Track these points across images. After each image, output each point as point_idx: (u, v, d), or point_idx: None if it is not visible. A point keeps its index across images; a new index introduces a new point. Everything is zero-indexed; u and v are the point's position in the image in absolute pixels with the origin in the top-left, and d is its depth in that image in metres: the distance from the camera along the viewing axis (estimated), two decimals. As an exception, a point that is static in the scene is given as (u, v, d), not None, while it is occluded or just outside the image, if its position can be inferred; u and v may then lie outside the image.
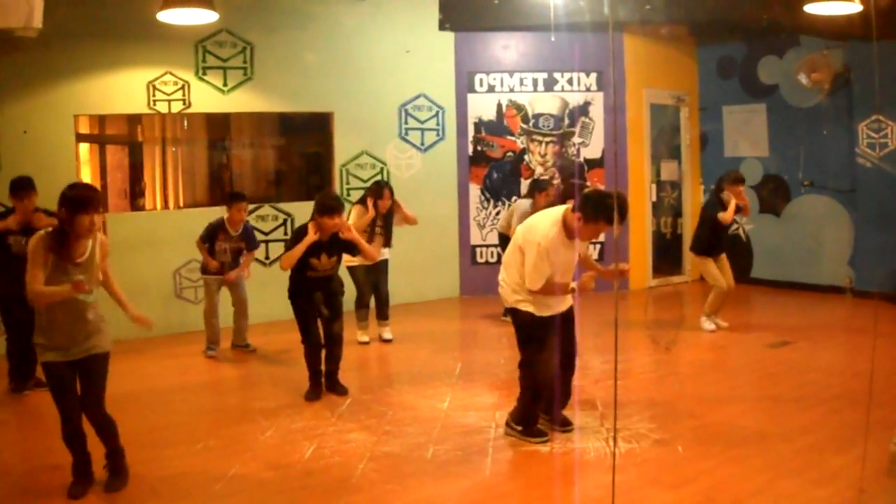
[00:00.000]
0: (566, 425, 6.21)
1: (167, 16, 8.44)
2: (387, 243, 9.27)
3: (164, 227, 10.13)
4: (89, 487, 5.17)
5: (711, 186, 10.26)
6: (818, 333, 9.44)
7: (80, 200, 4.90)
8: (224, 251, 8.77)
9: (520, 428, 6.03)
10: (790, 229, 12.14)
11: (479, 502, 5.11)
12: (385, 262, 9.35)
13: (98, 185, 12.26)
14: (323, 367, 7.33)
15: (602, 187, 11.73)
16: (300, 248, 6.95)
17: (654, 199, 12.86)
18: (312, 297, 7.23)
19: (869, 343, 8.38)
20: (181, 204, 12.52)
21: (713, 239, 9.48)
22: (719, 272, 9.44)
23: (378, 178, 11.32)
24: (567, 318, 6.17)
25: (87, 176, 11.78)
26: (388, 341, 9.42)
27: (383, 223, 9.15)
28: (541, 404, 6.07)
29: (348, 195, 10.92)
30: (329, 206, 7.01)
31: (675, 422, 6.37)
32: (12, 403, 7.32)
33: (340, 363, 7.44)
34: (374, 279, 9.31)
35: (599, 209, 5.65)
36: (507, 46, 12.09)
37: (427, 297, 11.63)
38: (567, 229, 5.82)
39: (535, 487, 5.33)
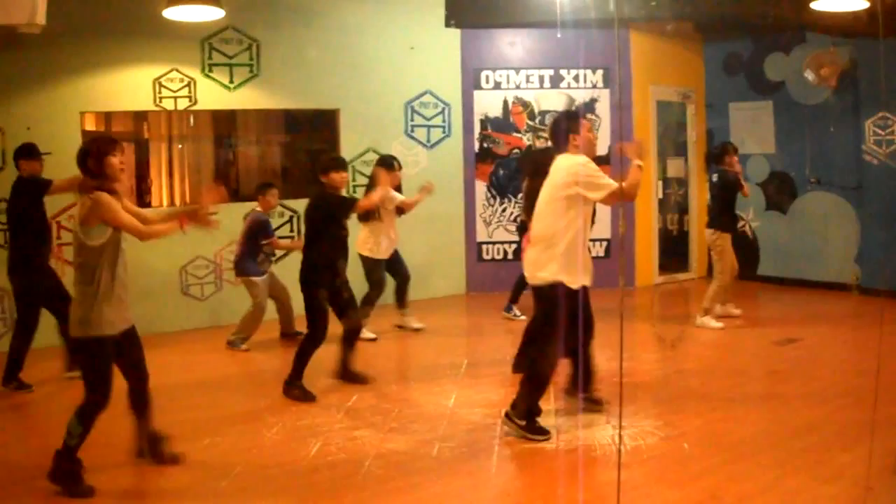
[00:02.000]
0: (599, 403, 6.46)
1: (173, 13, 8.47)
2: (399, 214, 9.40)
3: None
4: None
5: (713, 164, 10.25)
6: (824, 331, 9.43)
7: (104, 143, 5.22)
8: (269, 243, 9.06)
9: (522, 423, 6.00)
10: (796, 226, 12.12)
11: (485, 500, 5.11)
12: (397, 252, 9.49)
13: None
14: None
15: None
16: (380, 192, 7.62)
17: (660, 196, 12.85)
18: (334, 271, 7.24)
19: (875, 340, 8.38)
20: (187, 201, 12.51)
21: (728, 208, 9.71)
22: (734, 257, 9.59)
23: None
24: (587, 295, 6.35)
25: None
26: (419, 329, 9.64)
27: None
28: (542, 395, 6.12)
29: (355, 192, 10.93)
30: (341, 161, 7.44)
31: (681, 419, 6.37)
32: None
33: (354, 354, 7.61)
34: (394, 270, 9.48)
35: (572, 116, 6.56)
36: (513, 43, 12.08)
37: (433, 293, 11.63)
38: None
39: (541, 484, 5.33)
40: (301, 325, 8.86)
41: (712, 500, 4.86)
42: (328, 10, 10.90)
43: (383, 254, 9.17)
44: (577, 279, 6.01)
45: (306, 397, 7.02)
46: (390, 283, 9.46)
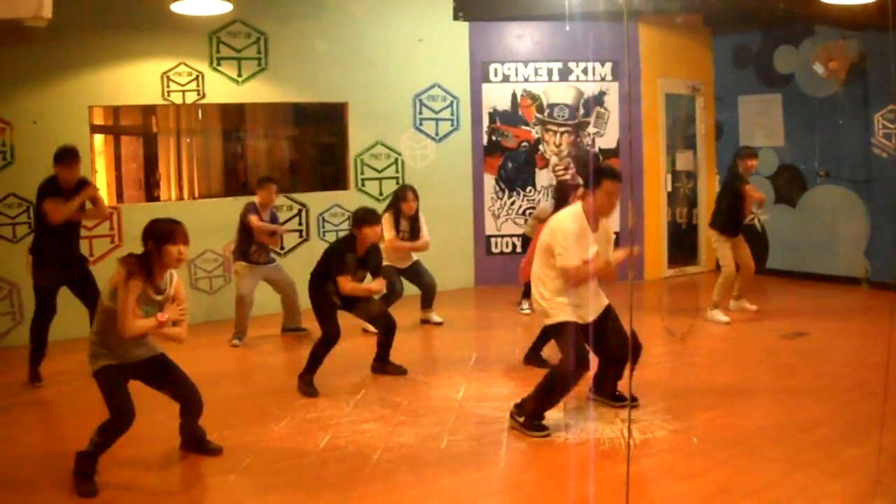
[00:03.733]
0: (623, 400, 6.51)
1: (181, 7, 8.48)
2: (415, 242, 9.51)
3: (179, 217, 9.88)
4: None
5: (728, 167, 10.24)
6: (834, 324, 9.41)
7: (170, 231, 5.25)
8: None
9: (521, 419, 6.03)
10: (806, 220, 12.09)
11: (493, 493, 5.11)
12: (416, 262, 9.66)
13: (112, 176, 12.32)
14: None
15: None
16: (359, 288, 7.39)
17: (669, 189, 12.82)
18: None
19: (885, 334, 8.34)
20: (196, 195, 12.55)
21: (731, 217, 9.57)
22: (731, 253, 9.54)
23: (392, 168, 11.34)
24: (607, 317, 6.32)
25: (101, 167, 11.83)
26: (439, 324, 9.78)
27: (409, 227, 9.40)
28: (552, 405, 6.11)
29: (363, 185, 10.96)
30: (373, 217, 7.36)
31: (690, 413, 6.36)
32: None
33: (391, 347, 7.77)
34: (416, 278, 9.69)
35: (596, 172, 6.17)
36: (521, 36, 12.06)
37: (442, 287, 11.57)
38: (588, 215, 6.10)
39: (550, 478, 5.33)
40: (266, 329, 8.98)
41: (721, 494, 4.86)
42: (336, 3, 10.89)
43: (394, 262, 9.38)
44: (581, 318, 6.12)
45: (309, 393, 7.04)
46: (413, 290, 9.71)
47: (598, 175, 6.11)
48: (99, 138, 11.79)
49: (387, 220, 9.15)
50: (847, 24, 10.80)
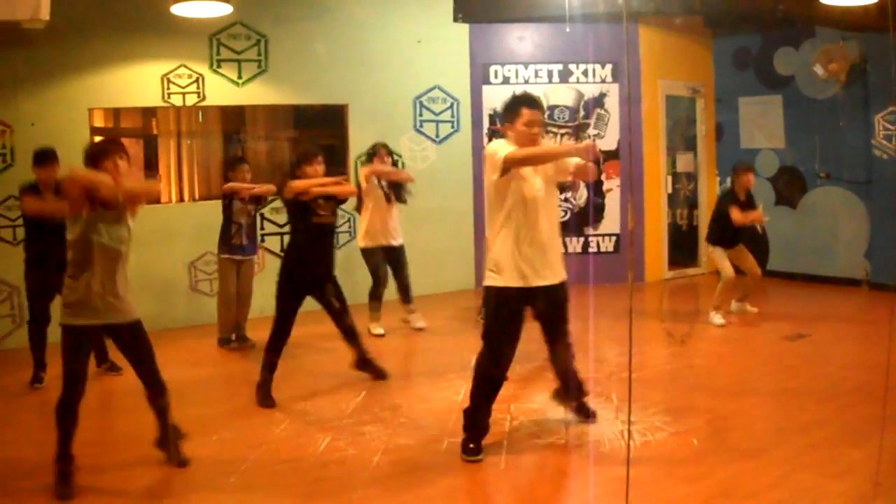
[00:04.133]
0: (588, 416, 6.14)
1: (181, 9, 8.46)
2: (399, 199, 9.38)
3: (180, 219, 10.17)
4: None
5: (728, 178, 10.23)
6: (834, 326, 9.41)
7: (103, 146, 5.22)
8: (241, 212, 8.74)
9: (463, 436, 5.67)
10: (806, 221, 12.09)
11: (494, 495, 5.12)
12: (401, 248, 9.38)
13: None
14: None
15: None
16: (307, 182, 6.98)
17: (669, 190, 12.82)
18: (312, 266, 7.08)
19: (885, 336, 8.33)
20: (196, 196, 12.52)
21: (726, 231, 9.53)
22: (728, 263, 9.48)
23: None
24: (553, 297, 5.72)
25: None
26: (420, 329, 9.49)
27: (389, 183, 9.28)
28: (488, 409, 5.72)
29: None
30: (310, 150, 7.25)
31: (691, 414, 6.36)
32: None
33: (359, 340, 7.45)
34: (393, 267, 9.37)
35: (513, 102, 5.57)
36: (521, 38, 12.06)
37: (442, 288, 11.62)
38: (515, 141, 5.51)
39: (550, 480, 5.34)
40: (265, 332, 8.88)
41: (721, 496, 4.85)
42: (336, 5, 10.90)
43: (378, 240, 9.17)
44: (520, 279, 5.52)
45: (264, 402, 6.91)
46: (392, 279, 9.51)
47: (513, 104, 5.54)
48: (121, 141, 11.77)
49: (363, 169, 9.16)
50: (847, 26, 10.79)
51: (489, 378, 5.67)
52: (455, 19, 11.73)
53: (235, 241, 8.74)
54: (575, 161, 5.54)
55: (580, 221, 12.18)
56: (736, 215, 9.33)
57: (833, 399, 6.68)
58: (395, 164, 9.47)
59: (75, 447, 5.16)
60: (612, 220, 12.26)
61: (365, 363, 7.46)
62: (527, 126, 5.44)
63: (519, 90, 11.55)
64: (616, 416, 6.36)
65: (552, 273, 5.62)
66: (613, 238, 12.23)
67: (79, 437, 5.18)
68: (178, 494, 5.14)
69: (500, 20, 11.94)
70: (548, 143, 6.33)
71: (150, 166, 12.72)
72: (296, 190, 6.88)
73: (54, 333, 7.57)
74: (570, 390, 6.07)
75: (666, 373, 7.66)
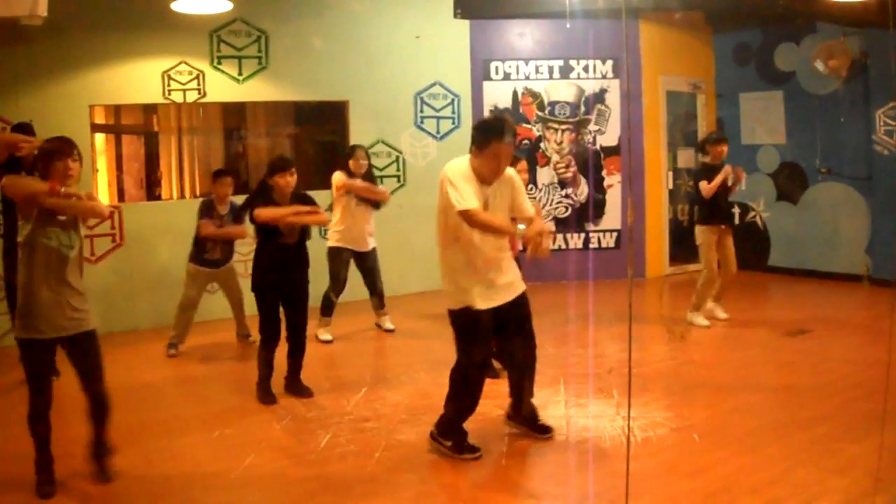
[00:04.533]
0: (544, 432, 5.89)
1: (181, 5, 8.49)
2: (374, 206, 9.02)
3: (181, 216, 10.12)
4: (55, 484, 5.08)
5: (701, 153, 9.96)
6: (835, 322, 9.40)
7: (53, 147, 5.00)
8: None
9: (449, 443, 5.61)
10: (807, 217, 12.09)
11: (495, 491, 5.11)
12: (373, 253, 9.13)
13: (114, 175, 12.31)
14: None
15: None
16: (275, 212, 6.75)
17: (670, 186, 12.82)
18: (280, 278, 6.90)
19: (886, 331, 8.35)
20: (197, 193, 12.53)
21: (712, 207, 9.23)
22: (714, 256, 9.18)
23: (393, 166, 11.34)
24: (517, 310, 5.66)
25: (102, 166, 11.83)
26: (390, 331, 9.36)
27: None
28: (471, 411, 5.66)
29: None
30: (281, 161, 6.90)
31: (692, 410, 6.37)
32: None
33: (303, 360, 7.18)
34: (364, 272, 9.17)
35: (483, 130, 5.39)
36: (522, 34, 12.06)
37: (441, 285, 11.61)
38: (476, 173, 5.38)
39: (551, 476, 5.34)
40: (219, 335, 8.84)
41: (722, 492, 4.86)
42: (336, 1, 10.88)
43: (347, 243, 8.91)
44: (484, 301, 5.45)
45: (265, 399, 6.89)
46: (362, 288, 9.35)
47: (485, 132, 5.36)
48: (100, 137, 11.78)
49: (336, 178, 8.84)
50: (848, 21, 10.79)
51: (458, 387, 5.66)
52: (455, 15, 11.72)
53: (209, 256, 8.57)
54: (527, 229, 5.43)
55: (581, 217, 12.18)
56: (703, 186, 9.11)
57: (834, 395, 6.68)
58: (370, 171, 9.15)
59: (70, 446, 5.17)
60: (612, 216, 12.26)
61: (294, 383, 7.16)
62: (492, 159, 5.31)
63: (499, 112, 11.68)
64: (616, 411, 6.37)
65: (508, 292, 5.60)
66: (614, 234, 12.23)
67: (70, 435, 5.18)
68: (179, 492, 5.14)
69: (501, 16, 11.93)
70: (520, 164, 6.23)
71: (151, 163, 12.75)
72: (264, 220, 6.77)
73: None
74: (524, 408, 5.94)
75: (666, 369, 7.66)
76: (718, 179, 9.06)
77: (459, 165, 5.42)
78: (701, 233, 9.30)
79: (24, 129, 7.39)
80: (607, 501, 4.80)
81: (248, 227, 7.41)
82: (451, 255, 5.52)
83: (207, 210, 8.47)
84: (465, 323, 5.51)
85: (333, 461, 5.52)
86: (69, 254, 4.99)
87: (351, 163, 8.89)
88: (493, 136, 5.26)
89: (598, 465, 5.37)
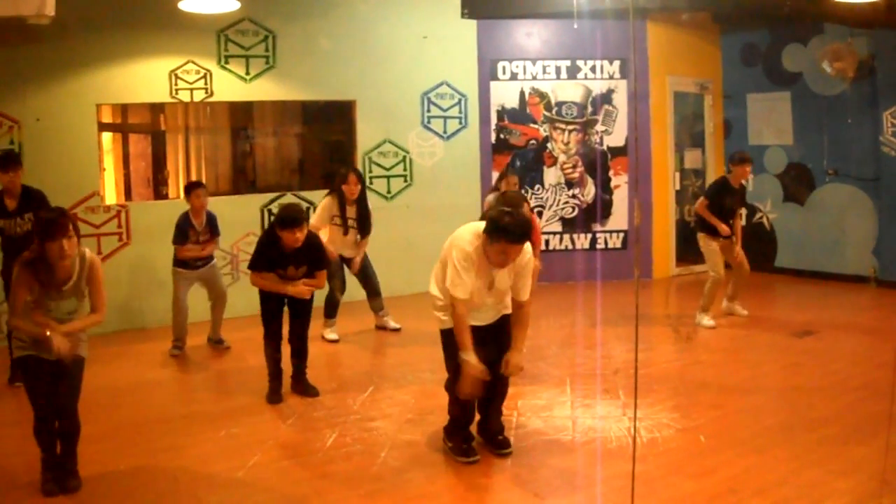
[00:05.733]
0: (502, 448, 5.70)
1: (189, 4, 8.49)
2: (362, 233, 8.94)
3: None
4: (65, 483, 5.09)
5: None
6: (842, 323, 9.38)
7: (45, 227, 4.80)
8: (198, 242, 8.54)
9: (450, 444, 5.68)
10: (814, 218, 12.06)
11: (500, 490, 5.12)
12: (363, 258, 9.11)
13: (121, 174, 12.34)
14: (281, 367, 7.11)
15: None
16: (272, 286, 6.84)
17: (677, 187, 12.81)
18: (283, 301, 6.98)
19: (893, 332, 8.34)
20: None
21: (719, 216, 9.26)
22: (720, 260, 9.25)
23: (400, 165, 11.34)
24: (496, 331, 5.65)
25: (109, 164, 11.84)
26: (396, 330, 9.38)
27: (356, 213, 8.87)
28: (468, 423, 5.66)
29: (371, 183, 10.91)
30: (289, 218, 6.65)
31: (698, 411, 6.36)
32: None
33: (307, 360, 7.19)
34: (358, 277, 9.16)
35: (496, 228, 5.25)
36: (529, 34, 12.05)
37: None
38: (486, 254, 5.40)
39: (557, 476, 5.33)
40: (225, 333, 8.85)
41: (728, 493, 4.85)
42: (344, 0, 10.88)
43: (338, 250, 8.87)
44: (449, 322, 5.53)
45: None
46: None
47: (496, 230, 5.24)
48: (107, 136, 11.80)
49: (327, 204, 8.75)
50: (856, 22, 10.77)
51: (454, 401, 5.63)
52: (462, 15, 11.71)
53: (191, 262, 8.56)
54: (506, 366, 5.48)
55: (588, 218, 12.17)
56: (699, 203, 9.32)
57: (840, 396, 6.67)
58: (363, 196, 8.95)
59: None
60: (619, 217, 12.24)
61: (300, 383, 7.15)
62: (500, 254, 5.26)
63: (528, 85, 11.69)
64: (623, 412, 6.37)
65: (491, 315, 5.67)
66: (621, 234, 12.22)
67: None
68: (185, 490, 5.15)
69: (508, 16, 11.92)
70: (512, 178, 6.03)
71: (158, 162, 12.77)
72: (259, 286, 6.85)
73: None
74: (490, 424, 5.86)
75: (673, 369, 7.66)
76: (715, 226, 9.20)
77: (472, 245, 5.47)
78: (701, 239, 9.42)
79: (10, 158, 7.40)
80: (613, 502, 4.80)
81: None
82: (443, 292, 5.57)
83: (183, 231, 8.45)
84: (449, 341, 5.54)
85: (339, 460, 5.53)
86: (72, 317, 5.02)
87: (344, 188, 8.77)
88: (503, 236, 5.21)
89: (604, 466, 5.37)
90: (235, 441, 5.89)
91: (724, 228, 9.15)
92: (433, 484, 5.15)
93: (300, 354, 7.14)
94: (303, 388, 7.08)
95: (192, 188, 8.62)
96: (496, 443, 5.72)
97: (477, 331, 5.48)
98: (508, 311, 5.66)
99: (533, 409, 6.50)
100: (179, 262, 8.55)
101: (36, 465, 5.13)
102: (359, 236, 8.93)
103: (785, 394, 6.82)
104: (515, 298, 5.58)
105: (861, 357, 7.97)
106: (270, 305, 6.95)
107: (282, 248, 6.72)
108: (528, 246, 5.50)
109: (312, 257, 6.88)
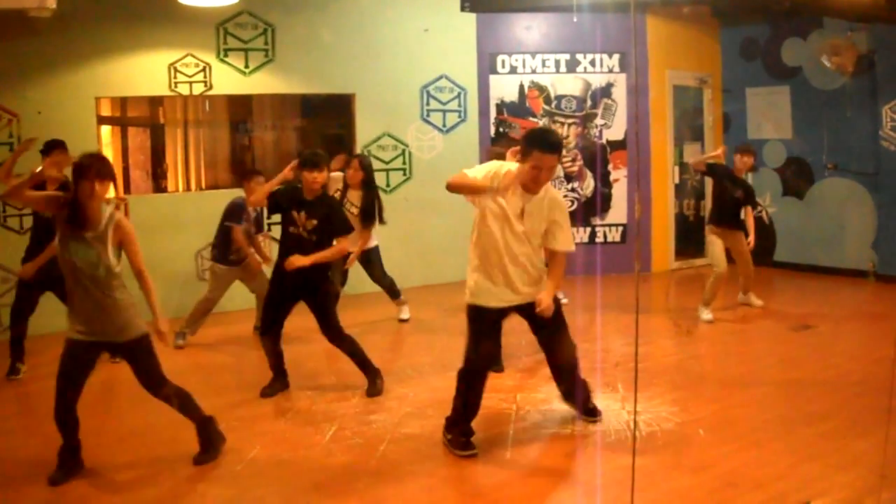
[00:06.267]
0: (591, 415, 6.02)
1: (188, -3, 8.47)
2: (366, 222, 8.73)
3: (186, 208, 10.16)
4: (73, 475, 5.11)
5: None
6: (841, 317, 9.38)
7: (81, 166, 4.95)
8: (245, 234, 8.53)
9: (449, 437, 5.64)
10: (813, 212, 12.07)
11: (500, 484, 5.12)
12: (373, 251, 9.08)
13: (120, 167, 12.32)
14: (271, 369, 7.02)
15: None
16: (273, 182, 6.80)
17: (676, 181, 12.81)
18: (295, 273, 6.63)
19: (891, 327, 8.34)
20: (203, 186, 12.54)
21: (722, 208, 9.43)
22: (722, 253, 9.31)
23: (399, 159, 11.34)
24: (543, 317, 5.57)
25: (108, 158, 11.80)
26: (404, 321, 9.42)
27: (360, 200, 8.76)
28: (469, 417, 5.66)
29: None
30: (311, 159, 6.68)
31: (697, 405, 6.36)
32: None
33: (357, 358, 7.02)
34: (366, 270, 9.13)
35: (529, 138, 5.39)
36: (529, 27, 12.04)
37: (448, 278, 11.61)
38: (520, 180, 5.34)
39: (556, 469, 5.34)
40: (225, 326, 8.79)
41: (727, 487, 4.86)
42: (344, -7, 10.90)
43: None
44: (492, 299, 5.60)
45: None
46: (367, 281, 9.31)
47: (529, 141, 5.35)
48: (106, 129, 11.78)
49: (335, 176, 8.66)
50: (855, 17, 10.76)
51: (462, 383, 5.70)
52: (462, 9, 11.70)
53: (235, 257, 8.55)
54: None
55: (587, 211, 12.17)
56: (691, 159, 9.42)
57: (839, 390, 6.68)
58: (367, 179, 9.00)
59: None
60: (619, 211, 12.25)
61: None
62: (532, 171, 5.27)
63: (527, 79, 11.72)
64: (622, 406, 6.37)
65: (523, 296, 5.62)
66: (620, 228, 12.22)
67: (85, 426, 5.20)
68: (184, 483, 5.15)
69: (508, 10, 11.92)
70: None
71: (157, 155, 12.75)
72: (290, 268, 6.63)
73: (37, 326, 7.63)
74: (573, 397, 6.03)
75: (672, 363, 7.66)
76: (704, 158, 9.58)
77: (499, 162, 5.60)
78: (707, 231, 9.63)
79: (55, 145, 7.39)
80: (612, 495, 4.80)
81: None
82: (473, 250, 5.66)
83: (238, 213, 8.44)
84: (473, 318, 5.64)
85: (338, 454, 5.53)
86: (91, 272, 4.97)
87: (348, 172, 8.78)
88: (538, 147, 5.25)
89: (603, 460, 5.37)
90: (234, 434, 5.88)
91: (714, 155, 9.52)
92: (432, 477, 5.15)
93: (346, 351, 7.00)
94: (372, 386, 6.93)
95: (253, 175, 8.65)
96: (586, 411, 5.98)
97: (525, 315, 5.63)
98: (539, 288, 5.60)
99: (532, 402, 6.50)
100: (222, 258, 8.52)
101: (36, 456, 5.14)
102: (366, 228, 8.78)
103: (784, 388, 6.82)
104: (550, 247, 5.61)
105: (860, 351, 7.97)
106: (275, 302, 6.85)
107: (300, 193, 6.72)
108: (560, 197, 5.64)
109: (332, 219, 6.79)
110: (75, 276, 4.96)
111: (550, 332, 5.74)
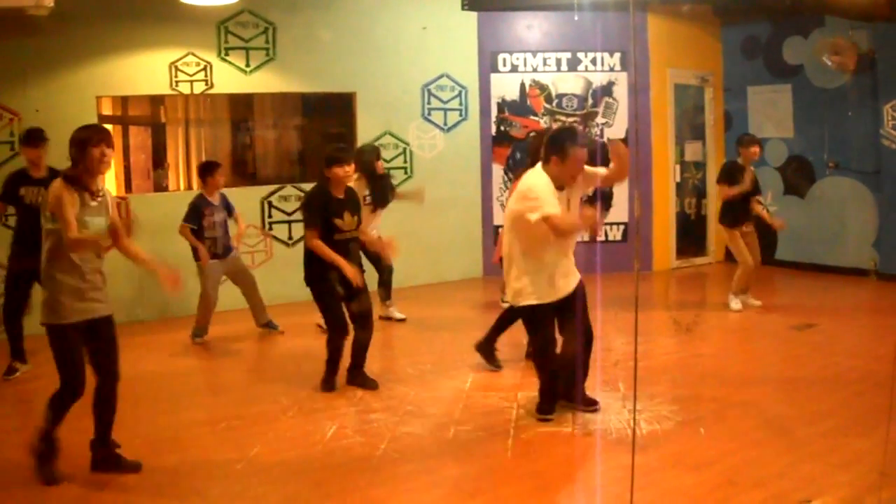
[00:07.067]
0: (591, 405, 6.18)
1: (189, -4, 8.46)
2: (376, 206, 8.93)
3: (187, 207, 10.15)
4: (54, 460, 5.09)
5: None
6: (842, 316, 9.39)
7: (92, 132, 5.10)
8: (212, 225, 8.54)
9: (545, 406, 6.08)
10: (814, 211, 12.06)
11: (500, 483, 5.12)
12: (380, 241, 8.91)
13: (121, 167, 12.31)
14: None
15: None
16: (330, 254, 6.63)
17: (677, 179, 12.80)
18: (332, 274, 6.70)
19: (893, 326, 8.34)
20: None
21: (734, 208, 9.47)
22: (742, 246, 9.41)
23: (400, 157, 11.34)
24: (575, 297, 6.06)
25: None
26: (401, 320, 9.41)
27: (375, 188, 8.90)
28: (559, 384, 6.08)
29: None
30: (335, 156, 6.75)
31: (698, 403, 6.36)
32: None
33: (367, 353, 7.06)
34: (373, 263, 9.05)
35: (563, 139, 5.82)
36: (530, 26, 12.04)
37: (449, 277, 11.63)
38: (554, 179, 5.79)
39: (557, 468, 5.34)
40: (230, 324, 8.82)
41: (728, 485, 4.85)
42: (345, -8, 10.90)
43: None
44: (549, 296, 5.95)
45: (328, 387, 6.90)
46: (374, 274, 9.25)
47: (560, 141, 5.79)
48: (107, 128, 11.78)
49: (358, 186, 8.54)
50: (856, 16, 10.75)
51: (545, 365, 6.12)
52: (463, 7, 11.70)
53: (218, 252, 8.59)
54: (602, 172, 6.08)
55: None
56: (722, 189, 9.51)
57: (840, 389, 6.68)
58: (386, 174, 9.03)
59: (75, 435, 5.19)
60: (620, 209, 12.24)
61: (354, 376, 7.07)
62: (575, 164, 5.76)
63: (528, 78, 11.71)
64: (623, 404, 6.37)
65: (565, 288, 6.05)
66: (621, 227, 12.22)
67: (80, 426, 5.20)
68: (184, 482, 5.15)
69: (509, 8, 11.91)
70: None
71: (158, 154, 12.75)
72: (314, 248, 6.68)
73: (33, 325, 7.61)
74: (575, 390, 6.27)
75: (673, 362, 7.66)
76: (738, 190, 9.37)
77: (540, 178, 5.81)
78: (727, 234, 9.65)
79: (36, 134, 7.34)
80: (613, 494, 4.80)
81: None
82: (522, 256, 5.96)
83: (194, 212, 8.52)
84: (532, 318, 6.05)
85: (339, 452, 5.53)
86: (102, 238, 5.11)
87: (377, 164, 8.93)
88: (568, 141, 5.79)
89: (603, 458, 5.37)
90: (235, 433, 5.90)
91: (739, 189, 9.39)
92: (432, 475, 5.15)
93: (364, 344, 7.06)
94: (362, 379, 7.01)
95: (213, 168, 8.74)
96: (587, 401, 6.21)
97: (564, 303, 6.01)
98: (579, 276, 6.14)
99: (533, 401, 6.48)
100: (197, 257, 8.51)
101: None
102: (375, 211, 8.92)
103: (784, 386, 6.82)
104: (597, 179, 6.15)
105: (861, 350, 7.96)
106: (326, 292, 6.82)
107: (331, 195, 6.75)
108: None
109: (360, 205, 7.05)
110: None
111: (572, 315, 6.05)
